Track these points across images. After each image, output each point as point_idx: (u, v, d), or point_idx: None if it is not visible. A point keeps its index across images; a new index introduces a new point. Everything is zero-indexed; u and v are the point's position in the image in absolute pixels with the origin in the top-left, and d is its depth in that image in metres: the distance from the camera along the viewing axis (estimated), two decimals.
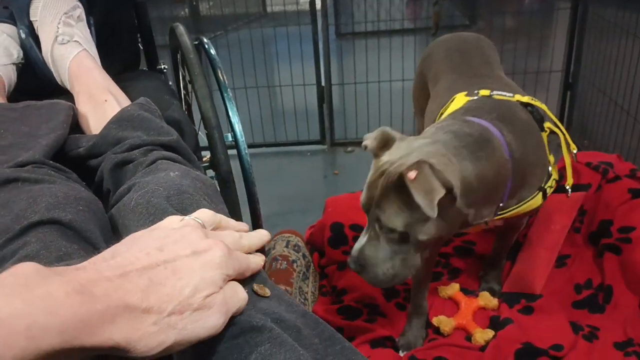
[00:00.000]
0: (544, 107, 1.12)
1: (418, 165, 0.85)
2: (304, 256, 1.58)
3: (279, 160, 2.48)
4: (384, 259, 0.94)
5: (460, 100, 1.13)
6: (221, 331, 0.47)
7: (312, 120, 2.48)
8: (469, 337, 1.24)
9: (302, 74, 2.43)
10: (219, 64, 1.27)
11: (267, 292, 0.56)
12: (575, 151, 1.16)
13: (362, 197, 0.95)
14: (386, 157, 0.92)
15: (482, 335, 1.22)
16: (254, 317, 0.50)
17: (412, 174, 0.84)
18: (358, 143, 2.47)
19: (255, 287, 0.55)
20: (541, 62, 2.45)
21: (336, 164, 2.40)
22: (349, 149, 2.47)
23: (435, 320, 1.27)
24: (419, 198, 0.83)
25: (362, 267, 0.96)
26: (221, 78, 1.25)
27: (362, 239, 0.96)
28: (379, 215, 0.91)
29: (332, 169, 2.36)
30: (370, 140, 0.95)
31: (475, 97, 1.11)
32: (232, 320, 0.48)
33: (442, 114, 1.16)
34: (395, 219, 0.90)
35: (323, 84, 2.41)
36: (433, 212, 0.83)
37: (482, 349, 1.19)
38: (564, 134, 1.13)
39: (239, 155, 1.21)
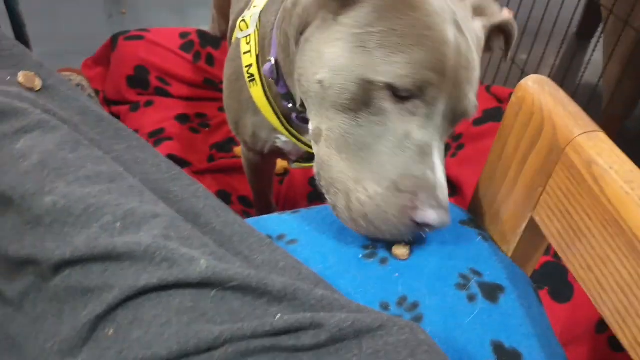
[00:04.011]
0: None
1: None
2: (89, 97, 1.42)
3: None
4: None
5: None
6: None
7: None
8: None
9: None
10: None
11: (37, 84, 0.47)
12: None
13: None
14: None
15: None
16: (16, 102, 0.41)
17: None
18: None
19: (22, 76, 0.46)
20: None
21: (122, 1, 2.14)
22: None
23: None
24: None
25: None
26: None
27: (437, 162, 0.51)
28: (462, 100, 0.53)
29: (118, 7, 2.10)
30: None
31: None
32: None
33: None
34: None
35: None
36: None
37: None
38: None
39: None
